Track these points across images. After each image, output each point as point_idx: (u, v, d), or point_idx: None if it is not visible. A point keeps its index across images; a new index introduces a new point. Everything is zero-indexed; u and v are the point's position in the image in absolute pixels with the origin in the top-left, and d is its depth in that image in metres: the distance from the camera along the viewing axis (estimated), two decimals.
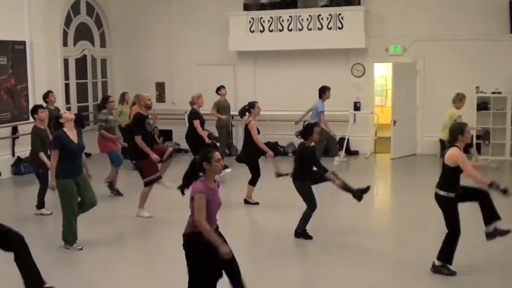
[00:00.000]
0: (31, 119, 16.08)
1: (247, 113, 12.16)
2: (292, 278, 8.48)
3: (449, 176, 8.04)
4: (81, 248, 9.65)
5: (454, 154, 7.94)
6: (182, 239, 9.34)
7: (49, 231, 11.28)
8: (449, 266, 8.19)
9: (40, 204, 11.85)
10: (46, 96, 14.19)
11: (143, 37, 20.01)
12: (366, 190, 9.82)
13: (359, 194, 9.78)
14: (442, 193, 8.10)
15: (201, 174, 6.38)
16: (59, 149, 9.34)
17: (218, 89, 16.12)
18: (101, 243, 10.02)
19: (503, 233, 8.14)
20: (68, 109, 16.84)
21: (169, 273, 8.72)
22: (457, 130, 8.11)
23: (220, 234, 6.45)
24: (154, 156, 11.15)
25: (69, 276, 8.74)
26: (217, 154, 6.36)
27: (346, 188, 9.88)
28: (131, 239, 10.69)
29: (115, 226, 11.19)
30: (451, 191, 8.06)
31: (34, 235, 11.03)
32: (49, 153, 10.71)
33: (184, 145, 18.08)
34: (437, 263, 8.25)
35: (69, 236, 9.61)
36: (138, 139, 11.16)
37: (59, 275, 8.74)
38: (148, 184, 11.34)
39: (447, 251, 8.16)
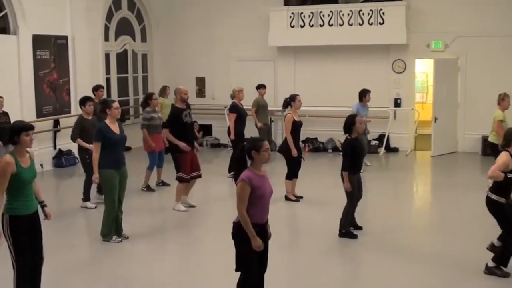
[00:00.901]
0: (73, 112, 16.45)
1: (289, 106, 12.07)
2: (334, 275, 8.43)
3: (502, 181, 7.91)
4: (121, 240, 9.75)
5: (499, 158, 7.86)
6: (219, 231, 9.46)
7: (90, 222, 11.40)
8: (504, 268, 8.08)
9: (86, 197, 12.00)
10: (96, 89, 14.25)
11: (184, 32, 20.09)
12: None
13: None
14: (493, 197, 7.99)
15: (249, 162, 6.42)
16: (101, 141, 9.50)
17: (258, 87, 15.98)
18: (140, 235, 10.10)
19: None
20: None
21: (205, 265, 8.84)
22: (510, 134, 8.00)
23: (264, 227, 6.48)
24: (182, 144, 11.16)
25: (108, 267, 8.85)
26: (266, 144, 6.40)
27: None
28: (169, 231, 10.76)
29: (153, 218, 11.32)
30: (502, 196, 7.95)
31: (77, 225, 11.26)
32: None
33: (223, 139, 18.21)
34: (491, 264, 8.13)
35: (108, 228, 9.72)
36: (165, 132, 11.34)
37: (99, 266, 8.95)
38: (179, 180, 11.42)
39: (505, 254, 8.05)
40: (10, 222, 6.66)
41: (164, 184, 13.65)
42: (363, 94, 14.53)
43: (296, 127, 11.90)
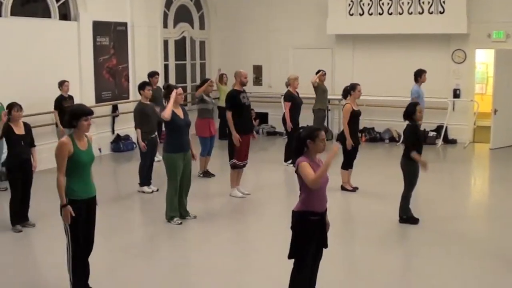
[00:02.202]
0: (131, 97, 16.67)
1: (348, 95, 11.99)
2: (391, 266, 8.35)
3: None
4: (181, 223, 9.92)
5: None
6: (274, 218, 9.46)
7: (147, 206, 11.61)
8: None
9: (143, 182, 12.16)
10: (152, 75, 14.49)
11: (242, 20, 20.11)
12: None
13: None
14: None
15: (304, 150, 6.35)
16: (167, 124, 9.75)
17: (318, 72, 15.94)
18: (196, 221, 10.20)
19: None
20: None
21: (261, 252, 8.88)
22: None
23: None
24: (235, 135, 11.22)
25: (165, 251, 8.98)
26: (322, 134, 6.30)
27: None
28: (224, 217, 10.80)
29: (209, 204, 11.44)
30: None
31: (133, 209, 11.44)
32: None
33: (279, 127, 18.21)
34: None
35: (171, 212, 9.94)
36: (228, 114, 11.32)
37: (155, 248, 9.10)
38: (232, 167, 11.52)
39: None
40: (68, 204, 6.74)
41: (207, 174, 13.54)
42: (419, 74, 14.17)
43: (354, 116, 11.80)
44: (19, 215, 9.79)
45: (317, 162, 6.34)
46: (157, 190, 12.01)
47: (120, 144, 16.42)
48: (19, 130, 9.76)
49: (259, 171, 12.89)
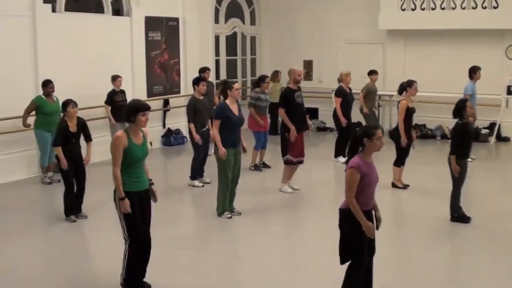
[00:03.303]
0: (182, 92, 16.82)
1: (404, 92, 11.89)
2: (440, 263, 8.25)
3: None
4: (230, 217, 10.01)
5: None
6: (323, 214, 9.43)
7: (197, 200, 11.77)
8: None
9: (194, 176, 12.31)
10: (203, 71, 14.64)
11: (293, 15, 20.08)
12: None
13: None
14: None
15: (360, 148, 6.35)
16: (220, 119, 9.78)
17: (370, 73, 15.76)
18: (246, 215, 10.27)
19: None
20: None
21: (309, 247, 8.89)
22: None
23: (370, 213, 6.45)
24: (292, 128, 11.23)
25: (214, 245, 9.08)
26: (379, 132, 6.31)
27: None
28: (274, 212, 10.88)
29: (259, 198, 11.48)
30: None
31: (183, 203, 11.55)
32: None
33: (329, 123, 18.15)
34: None
35: (222, 206, 10.05)
36: (281, 112, 11.36)
37: (205, 241, 9.22)
38: (286, 163, 11.55)
39: None
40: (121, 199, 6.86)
41: (265, 166, 13.77)
42: (474, 71, 13.97)
43: (409, 113, 11.68)
44: (73, 207, 10.05)
45: (371, 163, 6.33)
46: (210, 182, 12.15)
47: (171, 138, 16.58)
48: (73, 127, 10.00)
49: (310, 167, 12.90)
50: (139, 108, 6.90)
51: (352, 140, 6.40)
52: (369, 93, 15.57)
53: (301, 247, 9.05)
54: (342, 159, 13.86)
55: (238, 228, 9.77)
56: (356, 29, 18.96)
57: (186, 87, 17.11)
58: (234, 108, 9.88)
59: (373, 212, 6.46)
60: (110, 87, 13.96)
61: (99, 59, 14.46)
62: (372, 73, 15.67)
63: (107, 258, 8.29)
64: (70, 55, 13.74)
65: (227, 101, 9.88)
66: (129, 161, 6.86)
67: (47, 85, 12.45)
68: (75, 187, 10.08)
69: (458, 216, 9.69)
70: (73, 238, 9.47)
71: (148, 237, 7.13)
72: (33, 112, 12.44)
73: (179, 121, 16.92)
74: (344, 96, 14.11)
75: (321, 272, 7.76)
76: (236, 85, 9.99)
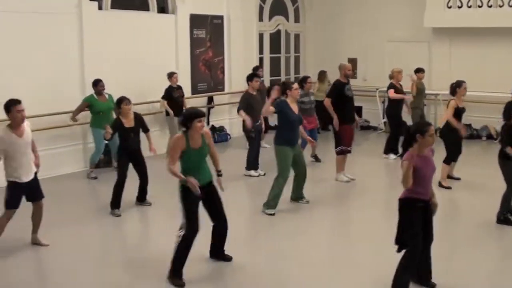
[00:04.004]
0: (227, 90, 16.91)
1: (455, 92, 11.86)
2: (483, 265, 8.17)
3: None
4: (273, 214, 10.16)
5: None
6: (378, 204, 10.49)
7: (252, 190, 12.16)
8: None
9: (250, 166, 12.75)
10: (257, 69, 15.06)
11: (337, 13, 20.00)
12: None
13: None
14: None
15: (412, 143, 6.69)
16: (276, 110, 10.17)
17: (417, 71, 15.67)
18: (299, 207, 10.54)
19: None
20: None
21: (361, 242, 8.96)
22: None
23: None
24: (335, 118, 11.73)
25: (261, 240, 9.16)
26: (432, 129, 6.63)
27: None
28: (329, 201, 11.11)
29: (314, 189, 11.56)
30: None
31: (237, 193, 11.74)
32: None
33: (373, 122, 18.11)
34: None
35: (274, 200, 10.23)
36: (327, 102, 11.93)
37: (252, 237, 9.39)
38: (339, 153, 12.00)
39: None
40: (182, 192, 7.36)
41: (317, 159, 14.00)
42: None
43: (458, 113, 11.74)
44: (118, 202, 10.25)
45: (425, 155, 6.67)
46: (264, 174, 12.58)
47: (214, 135, 16.64)
48: (129, 122, 10.27)
49: (358, 162, 13.13)
50: (195, 115, 7.37)
51: (405, 135, 6.81)
52: (419, 90, 15.50)
53: (351, 240, 9.26)
54: (392, 156, 13.93)
55: (287, 221, 9.95)
56: (401, 27, 18.79)
57: (230, 84, 17.18)
58: (294, 107, 10.17)
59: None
60: (155, 84, 14.24)
61: (144, 57, 14.59)
62: (419, 71, 15.56)
63: (159, 246, 8.69)
64: (115, 53, 13.88)
65: (288, 100, 10.15)
66: (187, 163, 7.39)
67: (97, 84, 12.77)
68: (125, 182, 10.31)
69: (504, 218, 9.54)
70: (125, 227, 9.92)
71: (224, 219, 7.77)
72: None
73: (223, 118, 17.01)
74: (396, 91, 14.28)
75: (373, 266, 7.82)
76: (295, 85, 10.33)
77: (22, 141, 8.15)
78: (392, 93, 14.23)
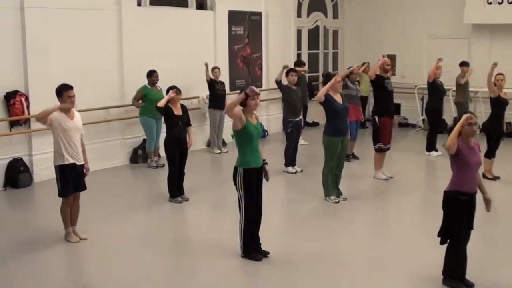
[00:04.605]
0: (264, 86, 16.94)
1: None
2: None
3: None
4: (338, 202, 10.47)
5: None
6: (418, 199, 10.62)
7: (291, 184, 12.20)
8: None
9: (288, 163, 12.80)
10: (299, 65, 15.13)
11: (375, 9, 19.90)
12: None
13: None
14: None
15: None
16: (324, 102, 10.32)
17: (462, 64, 15.65)
18: (334, 205, 10.49)
19: None
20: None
21: (399, 241, 8.91)
22: None
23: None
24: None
25: (297, 237, 9.13)
26: (473, 118, 6.71)
27: None
28: (367, 198, 11.13)
29: (352, 186, 11.60)
30: None
31: (275, 190, 11.80)
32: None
33: (412, 119, 18.01)
34: None
35: (326, 189, 10.56)
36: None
37: (288, 234, 9.38)
38: (377, 150, 12.03)
39: None
40: (243, 174, 7.67)
41: (354, 157, 13.89)
42: None
43: (500, 104, 11.97)
44: (177, 189, 10.63)
45: (472, 147, 6.76)
46: (301, 171, 12.71)
47: None
48: (178, 111, 10.57)
49: (396, 161, 13.10)
50: (250, 93, 7.67)
51: (453, 127, 6.83)
52: (460, 85, 15.55)
53: (390, 236, 9.26)
54: (434, 153, 13.90)
55: (332, 212, 10.17)
56: (441, 23, 18.62)
57: (268, 81, 17.20)
58: (337, 98, 10.42)
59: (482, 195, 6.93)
60: (193, 80, 14.40)
61: (182, 53, 14.67)
62: (463, 64, 15.56)
63: (218, 232, 9.20)
64: (154, 49, 13.99)
65: (330, 92, 10.33)
66: (247, 138, 7.65)
67: (152, 74, 13.18)
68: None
69: None
70: (179, 217, 10.26)
71: (260, 209, 7.91)
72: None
73: (260, 114, 16.85)
74: (436, 88, 14.27)
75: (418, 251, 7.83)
76: (337, 77, 10.56)
77: (72, 124, 8.37)
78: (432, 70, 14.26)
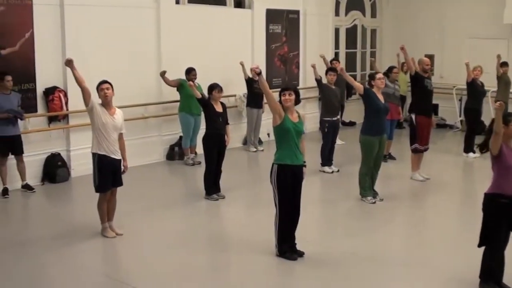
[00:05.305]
0: (301, 85, 16.88)
1: None
2: None
3: None
4: (374, 202, 10.41)
5: None
6: (455, 200, 10.54)
7: (328, 184, 12.21)
8: None
9: (325, 162, 12.76)
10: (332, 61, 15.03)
11: (414, 8, 19.73)
12: None
13: None
14: None
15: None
16: (366, 99, 10.33)
17: (502, 65, 15.54)
18: (370, 205, 10.43)
19: None
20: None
21: (435, 242, 8.85)
22: None
23: None
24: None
25: (333, 237, 9.15)
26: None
27: None
28: (404, 198, 11.08)
29: (388, 187, 11.57)
30: None
31: (311, 189, 11.83)
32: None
33: (450, 119, 17.84)
34: None
35: (363, 189, 10.51)
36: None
37: (324, 234, 9.40)
38: (414, 151, 11.95)
39: None
40: (277, 170, 7.65)
41: (390, 157, 13.81)
42: None
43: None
44: (213, 187, 10.67)
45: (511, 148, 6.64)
46: (338, 170, 12.67)
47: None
48: (218, 108, 10.64)
49: (434, 162, 13.08)
50: (281, 89, 7.78)
51: (490, 125, 6.72)
52: (501, 81, 15.47)
53: (426, 239, 9.14)
54: (472, 155, 13.77)
55: (369, 211, 10.16)
56: (480, 23, 18.37)
57: (305, 79, 17.17)
58: (380, 97, 10.38)
59: None
60: (230, 78, 14.32)
61: (220, 51, 14.70)
62: (503, 65, 15.47)
63: (249, 229, 9.27)
64: (192, 47, 14.03)
65: (374, 89, 10.35)
66: (284, 134, 7.62)
67: (190, 72, 13.21)
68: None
69: None
70: (215, 213, 10.33)
71: (298, 208, 7.85)
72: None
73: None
74: (474, 88, 14.20)
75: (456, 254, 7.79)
76: (379, 75, 10.60)
77: (111, 120, 8.46)
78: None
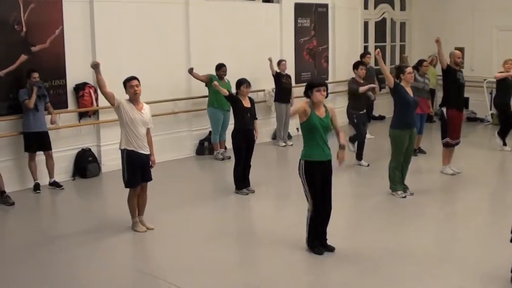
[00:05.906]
0: (330, 79, 16.83)
1: None
2: None
3: None
4: (404, 197, 10.36)
5: None
6: (482, 201, 10.08)
7: (364, 178, 12.17)
8: None
9: (359, 156, 12.73)
10: (363, 56, 14.92)
11: (444, 1, 19.54)
12: None
13: None
14: None
15: None
16: (396, 94, 10.30)
17: None
18: (400, 199, 10.39)
19: None
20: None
21: (467, 237, 8.76)
22: None
23: None
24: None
25: (364, 231, 9.05)
26: None
27: None
28: (432, 194, 10.91)
29: (418, 181, 11.49)
30: None
31: (357, 181, 12.05)
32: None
33: (480, 113, 17.66)
34: None
35: (393, 183, 10.47)
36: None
37: (355, 228, 9.30)
38: (445, 145, 11.88)
39: None
40: (304, 166, 7.63)
41: (421, 151, 13.70)
42: None
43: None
44: (242, 181, 10.70)
45: None
46: (368, 165, 12.64)
47: None
48: (246, 103, 10.66)
49: (464, 156, 13.00)
50: (313, 84, 7.61)
51: None
52: None
53: (445, 234, 9.02)
54: (507, 148, 13.64)
55: (398, 204, 10.15)
56: (511, 15, 18.15)
57: (334, 73, 17.12)
58: (409, 90, 10.31)
59: None
60: (259, 73, 14.40)
61: (249, 46, 14.73)
62: None
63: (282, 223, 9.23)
64: (221, 42, 14.06)
65: (402, 84, 10.28)
66: (310, 129, 7.57)
67: (220, 68, 13.33)
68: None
69: None
70: (244, 207, 10.35)
71: (330, 203, 7.82)
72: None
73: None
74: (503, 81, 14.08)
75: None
76: (408, 69, 10.43)
77: (139, 115, 8.49)
78: (497, 74, 14.15)
